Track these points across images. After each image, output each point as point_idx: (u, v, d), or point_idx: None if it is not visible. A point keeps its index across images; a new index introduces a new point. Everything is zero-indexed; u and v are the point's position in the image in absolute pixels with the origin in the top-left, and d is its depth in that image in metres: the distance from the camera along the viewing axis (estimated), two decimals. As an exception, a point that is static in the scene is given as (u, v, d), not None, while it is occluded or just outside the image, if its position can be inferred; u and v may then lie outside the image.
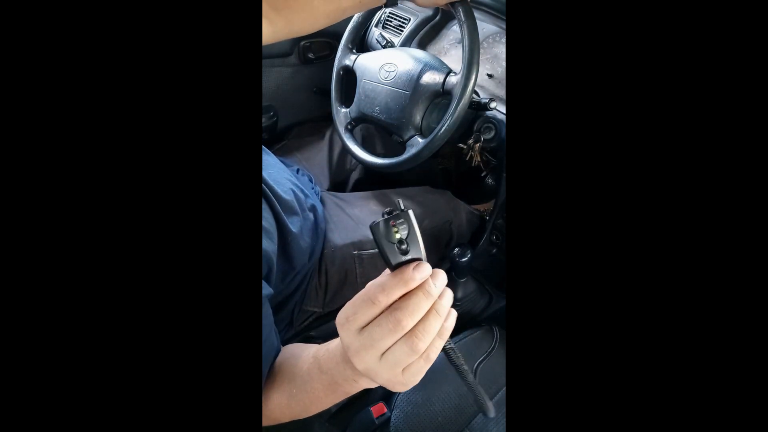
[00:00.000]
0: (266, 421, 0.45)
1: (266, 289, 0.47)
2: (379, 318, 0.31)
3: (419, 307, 0.31)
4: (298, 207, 0.66)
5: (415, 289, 0.31)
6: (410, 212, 0.32)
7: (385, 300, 0.31)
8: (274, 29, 0.54)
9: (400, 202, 0.32)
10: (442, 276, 0.33)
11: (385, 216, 0.32)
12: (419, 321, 0.31)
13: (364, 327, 0.32)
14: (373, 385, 0.38)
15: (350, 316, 0.32)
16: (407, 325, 0.31)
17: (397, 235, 0.31)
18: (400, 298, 0.31)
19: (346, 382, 0.38)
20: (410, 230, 0.32)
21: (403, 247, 0.32)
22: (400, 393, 0.61)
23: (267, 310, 0.46)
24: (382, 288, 0.31)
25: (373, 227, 0.32)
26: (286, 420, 0.45)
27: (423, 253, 0.32)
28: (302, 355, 0.44)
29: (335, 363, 0.38)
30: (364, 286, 0.60)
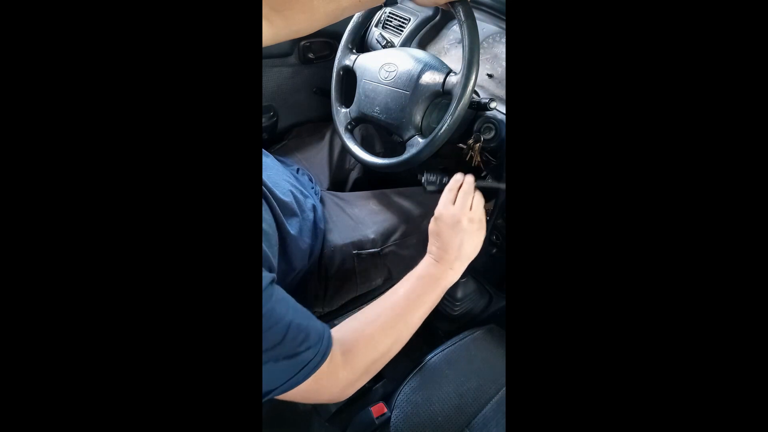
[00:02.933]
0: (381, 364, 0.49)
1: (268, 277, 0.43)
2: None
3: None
4: (298, 208, 0.66)
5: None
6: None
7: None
8: (274, 30, 0.54)
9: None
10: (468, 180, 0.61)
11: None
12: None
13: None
14: (459, 274, 0.56)
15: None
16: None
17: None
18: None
19: (444, 274, 0.54)
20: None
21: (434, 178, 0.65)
22: (400, 393, 0.61)
23: (288, 299, 0.43)
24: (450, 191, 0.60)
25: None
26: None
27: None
28: (392, 299, 0.52)
29: (428, 265, 0.55)
30: (364, 286, 0.62)
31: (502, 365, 0.66)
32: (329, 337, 0.44)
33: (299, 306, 0.45)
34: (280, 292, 0.43)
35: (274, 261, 0.52)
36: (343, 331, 0.48)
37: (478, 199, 0.60)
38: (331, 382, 0.44)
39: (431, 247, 0.58)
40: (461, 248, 0.56)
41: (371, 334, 0.48)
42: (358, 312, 0.51)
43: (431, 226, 0.59)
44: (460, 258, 0.56)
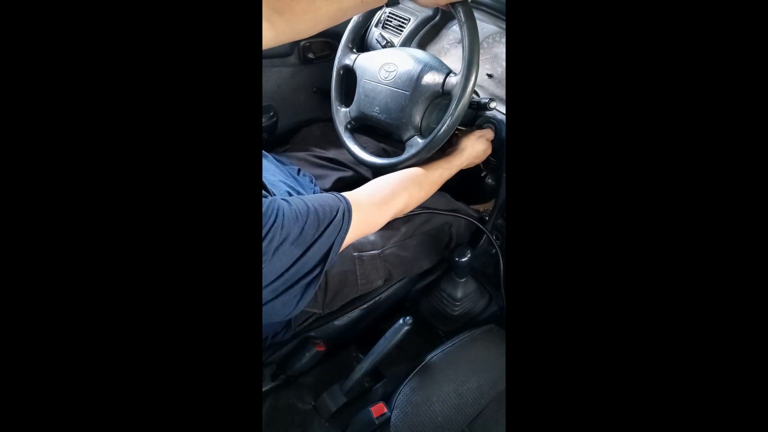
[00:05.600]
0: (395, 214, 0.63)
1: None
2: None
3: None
4: None
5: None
6: None
7: None
8: (276, 32, 0.54)
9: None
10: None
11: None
12: None
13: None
14: (455, 169, 0.71)
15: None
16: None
17: None
18: None
19: (448, 163, 0.69)
20: None
21: None
22: (400, 393, 0.61)
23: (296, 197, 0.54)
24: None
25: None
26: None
27: None
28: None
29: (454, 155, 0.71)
30: (364, 287, 0.64)
31: (502, 365, 0.66)
32: (344, 200, 0.56)
33: (307, 195, 0.56)
34: (287, 197, 0.53)
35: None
36: (373, 188, 0.63)
37: (488, 149, 0.76)
38: (374, 222, 0.61)
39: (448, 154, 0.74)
40: (464, 161, 0.72)
41: (383, 186, 0.63)
42: (386, 175, 0.66)
43: (463, 141, 0.74)
44: (461, 160, 0.72)
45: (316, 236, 0.51)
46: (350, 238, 0.56)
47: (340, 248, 0.55)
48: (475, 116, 0.75)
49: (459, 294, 0.81)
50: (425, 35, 0.88)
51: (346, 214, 0.55)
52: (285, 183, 0.70)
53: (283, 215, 0.48)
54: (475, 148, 0.72)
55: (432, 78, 0.66)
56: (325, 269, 0.54)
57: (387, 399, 0.62)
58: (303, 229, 0.50)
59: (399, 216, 0.66)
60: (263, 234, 0.46)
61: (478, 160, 0.75)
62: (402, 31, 0.89)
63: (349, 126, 0.77)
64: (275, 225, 0.47)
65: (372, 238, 0.71)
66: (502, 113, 0.73)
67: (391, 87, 0.69)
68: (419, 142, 0.66)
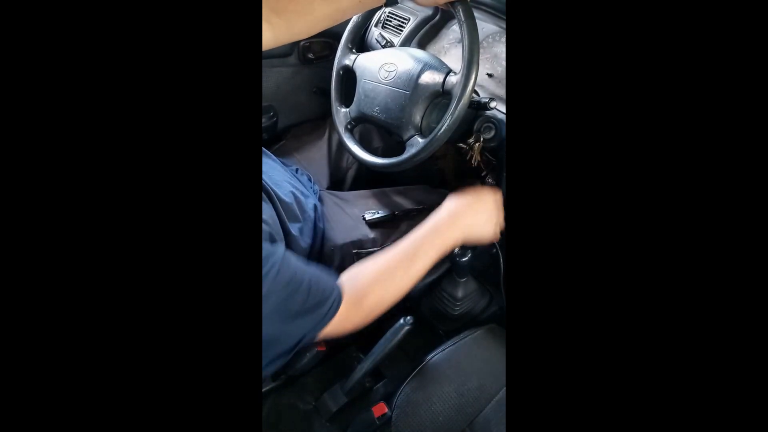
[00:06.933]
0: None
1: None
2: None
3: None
4: (299, 209, 0.66)
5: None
6: None
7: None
8: (275, 33, 0.54)
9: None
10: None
11: None
12: None
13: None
14: (460, 241, 0.60)
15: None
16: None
17: None
18: None
19: (450, 232, 0.59)
20: None
21: None
22: (400, 393, 0.61)
23: (298, 262, 0.50)
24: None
25: None
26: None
27: None
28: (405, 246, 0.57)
29: (442, 218, 0.59)
30: None
31: (503, 365, 0.65)
32: (339, 290, 0.52)
33: (307, 265, 0.51)
34: (290, 256, 0.49)
35: (279, 234, 0.56)
36: (350, 281, 0.55)
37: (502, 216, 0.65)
38: (346, 322, 0.53)
39: (461, 198, 0.62)
40: (477, 226, 0.62)
41: (373, 283, 0.55)
42: (365, 261, 0.57)
43: (474, 191, 0.64)
44: (471, 230, 0.61)
45: (295, 316, 0.46)
46: (323, 334, 0.50)
47: (311, 340, 0.49)
48: (475, 116, 0.75)
49: (460, 293, 0.81)
50: (425, 35, 0.88)
51: (333, 305, 0.49)
52: (290, 183, 0.70)
53: (277, 272, 0.44)
54: (488, 230, 0.62)
55: (432, 77, 0.66)
56: (285, 361, 0.49)
57: (388, 399, 0.62)
58: (286, 298, 0.45)
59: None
60: None
61: (483, 241, 0.64)
62: (402, 30, 0.89)
63: (349, 126, 0.77)
64: (264, 275, 0.42)
65: (372, 235, 0.71)
66: (502, 113, 0.73)
67: (391, 87, 0.69)
68: (419, 141, 0.66)
